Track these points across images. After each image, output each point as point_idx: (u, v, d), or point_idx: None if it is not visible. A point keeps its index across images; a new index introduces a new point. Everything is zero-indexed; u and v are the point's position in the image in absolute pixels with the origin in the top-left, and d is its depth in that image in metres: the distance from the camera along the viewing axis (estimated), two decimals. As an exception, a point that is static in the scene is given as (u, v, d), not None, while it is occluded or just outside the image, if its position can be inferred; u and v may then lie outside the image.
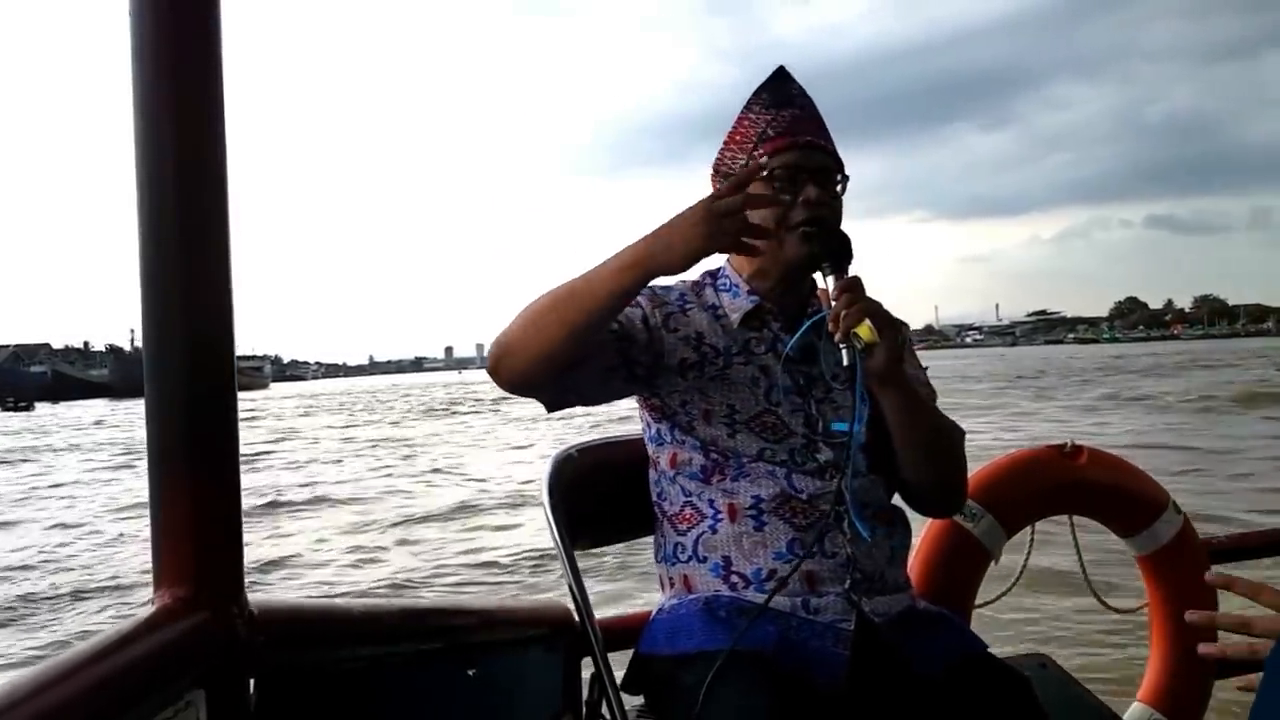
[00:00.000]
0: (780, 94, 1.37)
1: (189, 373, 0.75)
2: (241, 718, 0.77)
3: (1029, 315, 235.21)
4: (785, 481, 1.28)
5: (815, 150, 1.34)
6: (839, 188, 1.36)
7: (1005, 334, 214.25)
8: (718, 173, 1.40)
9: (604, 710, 1.35)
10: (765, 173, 1.31)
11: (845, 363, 1.22)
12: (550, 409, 1.33)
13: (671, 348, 1.34)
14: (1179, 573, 2.11)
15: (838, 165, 1.36)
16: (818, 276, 1.32)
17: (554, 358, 1.22)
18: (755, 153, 1.33)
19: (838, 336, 1.21)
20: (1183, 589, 2.11)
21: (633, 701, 1.34)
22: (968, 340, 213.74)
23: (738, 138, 1.37)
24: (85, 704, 0.61)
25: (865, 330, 1.19)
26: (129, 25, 0.74)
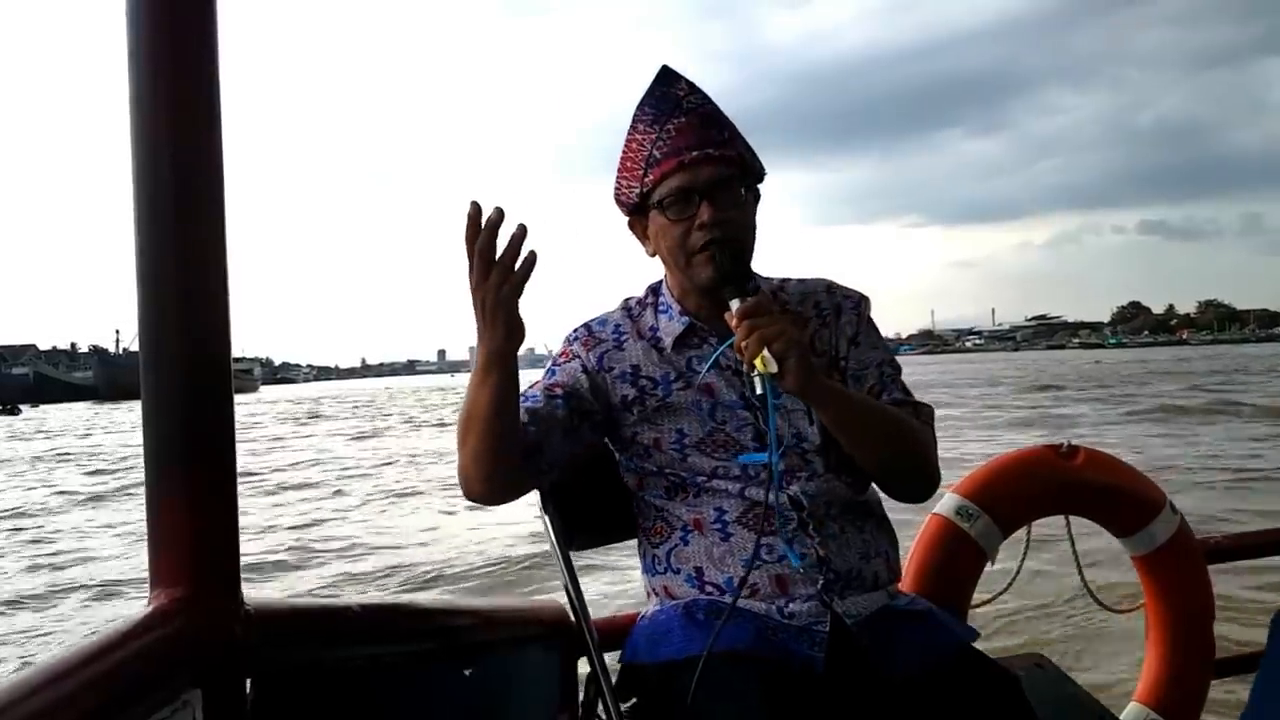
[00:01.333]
0: (665, 102, 1.32)
1: (186, 373, 0.75)
2: (238, 717, 0.77)
3: (1029, 319, 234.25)
4: (739, 496, 1.29)
5: (703, 165, 1.28)
6: (743, 190, 1.31)
7: (1006, 338, 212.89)
8: (618, 201, 1.37)
9: (600, 710, 1.35)
10: (659, 200, 1.29)
11: (758, 391, 1.19)
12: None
13: (613, 386, 1.36)
14: (1176, 573, 2.11)
15: (736, 166, 1.30)
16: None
17: (499, 469, 1.25)
18: (646, 178, 1.30)
19: (744, 367, 1.19)
20: (1180, 589, 2.12)
21: (626, 702, 1.34)
22: (968, 345, 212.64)
23: (628, 164, 1.34)
24: (81, 704, 0.61)
25: (760, 363, 1.15)
26: (125, 24, 0.74)
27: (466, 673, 1.19)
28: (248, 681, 0.79)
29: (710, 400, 1.33)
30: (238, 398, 0.83)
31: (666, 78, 1.34)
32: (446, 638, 1.18)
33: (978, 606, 2.05)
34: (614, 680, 1.33)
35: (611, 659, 1.39)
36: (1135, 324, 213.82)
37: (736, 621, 1.19)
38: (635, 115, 1.34)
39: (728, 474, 1.30)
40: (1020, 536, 2.14)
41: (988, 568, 2.03)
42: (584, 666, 1.41)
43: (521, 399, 1.29)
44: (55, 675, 0.61)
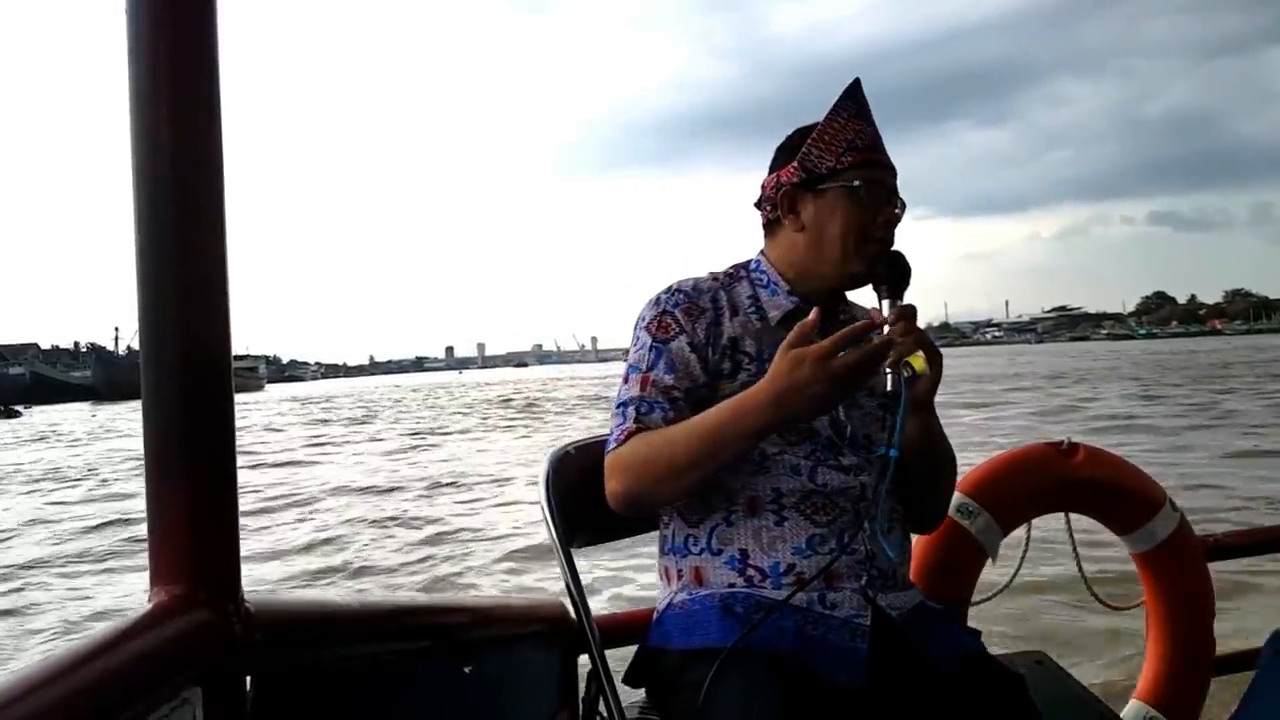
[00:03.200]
0: (864, 109, 1.37)
1: (186, 370, 0.75)
2: (238, 715, 0.77)
3: (1046, 311, 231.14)
4: (808, 475, 1.28)
5: (891, 172, 1.36)
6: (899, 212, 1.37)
7: (1026, 330, 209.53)
8: (802, 166, 1.36)
9: (601, 707, 1.35)
10: (856, 183, 1.32)
11: (890, 388, 1.24)
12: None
13: (714, 360, 1.34)
14: (1176, 570, 2.11)
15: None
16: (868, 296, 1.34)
17: (683, 497, 1.31)
18: (844, 158, 1.33)
19: (889, 361, 1.23)
20: (1180, 586, 2.12)
21: (630, 698, 1.34)
22: (986, 337, 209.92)
23: (827, 138, 1.35)
24: (81, 702, 0.61)
25: (919, 361, 1.23)
26: (125, 22, 0.74)
27: (467, 670, 1.19)
28: (248, 679, 0.79)
29: None
30: (239, 397, 0.83)
31: (859, 86, 1.38)
32: (447, 635, 1.18)
33: (978, 604, 2.05)
34: (619, 674, 1.32)
35: (612, 655, 1.39)
36: (1161, 314, 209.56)
37: (775, 616, 1.19)
38: (839, 103, 1.36)
39: (798, 452, 1.30)
40: (1020, 534, 2.14)
41: (988, 565, 2.03)
42: (585, 662, 1.41)
43: (643, 413, 1.29)
44: (55, 673, 0.61)
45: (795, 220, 1.38)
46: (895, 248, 1.33)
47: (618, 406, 1.33)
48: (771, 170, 1.41)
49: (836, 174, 1.33)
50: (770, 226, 1.43)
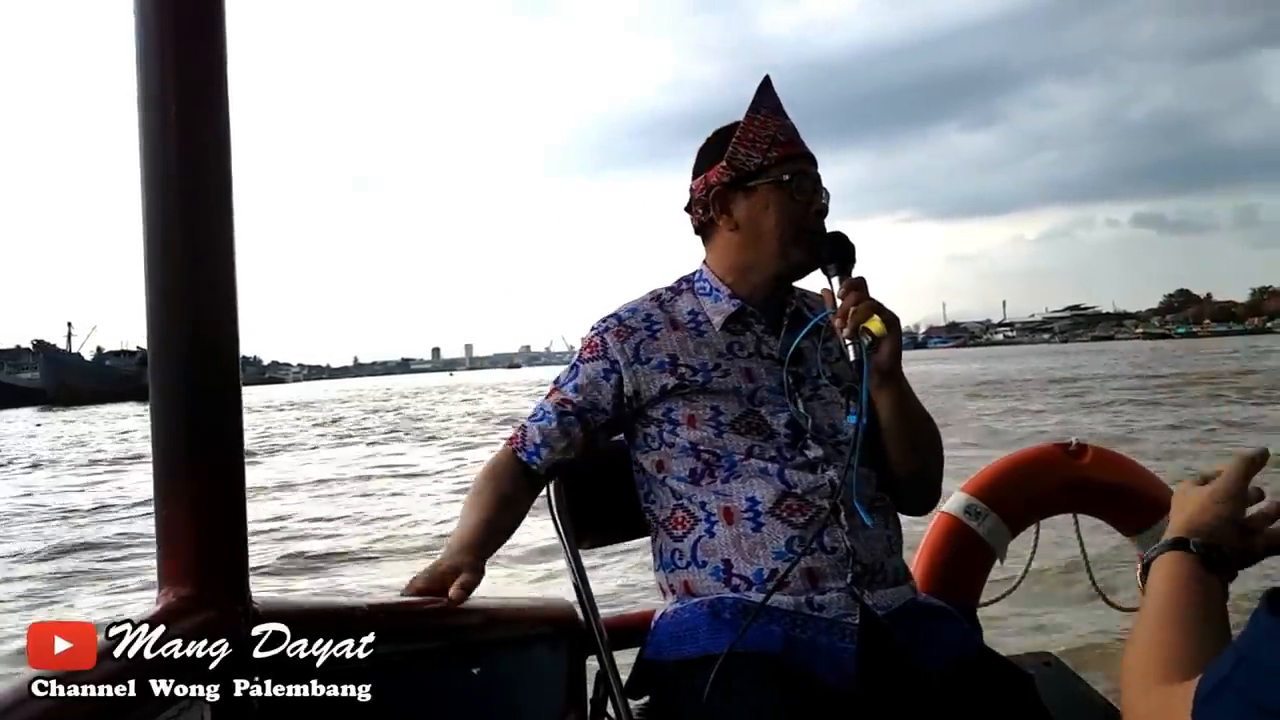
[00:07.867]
0: (777, 104, 1.41)
1: (193, 372, 0.75)
2: (245, 715, 0.77)
3: (1058, 311, 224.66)
4: (778, 478, 1.28)
5: (814, 163, 1.40)
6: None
7: (1042, 330, 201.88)
8: (730, 165, 1.38)
9: (609, 709, 1.35)
10: (785, 177, 1.36)
11: (853, 358, 1.26)
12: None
13: (649, 378, 1.36)
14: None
15: None
16: (819, 277, 1.36)
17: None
18: (770, 154, 1.36)
19: (845, 332, 1.26)
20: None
21: (637, 700, 1.34)
22: (997, 337, 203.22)
23: (750, 137, 1.38)
24: (90, 702, 0.61)
25: (876, 324, 1.25)
26: (133, 25, 0.74)
27: (474, 671, 1.19)
28: (255, 680, 0.79)
29: (750, 385, 1.34)
30: None
31: (771, 86, 1.42)
32: (454, 636, 1.18)
33: (986, 604, 2.05)
34: (626, 677, 1.32)
35: (620, 657, 1.38)
36: (1189, 313, 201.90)
37: (763, 621, 1.19)
38: (757, 101, 1.40)
39: (764, 454, 1.30)
40: (1029, 535, 2.13)
41: (996, 566, 2.03)
42: (593, 664, 1.40)
43: (533, 417, 1.40)
44: (63, 675, 0.61)
45: (729, 220, 1.40)
46: (834, 229, 1.37)
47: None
48: (696, 174, 1.43)
49: (765, 170, 1.37)
50: (704, 230, 1.45)
